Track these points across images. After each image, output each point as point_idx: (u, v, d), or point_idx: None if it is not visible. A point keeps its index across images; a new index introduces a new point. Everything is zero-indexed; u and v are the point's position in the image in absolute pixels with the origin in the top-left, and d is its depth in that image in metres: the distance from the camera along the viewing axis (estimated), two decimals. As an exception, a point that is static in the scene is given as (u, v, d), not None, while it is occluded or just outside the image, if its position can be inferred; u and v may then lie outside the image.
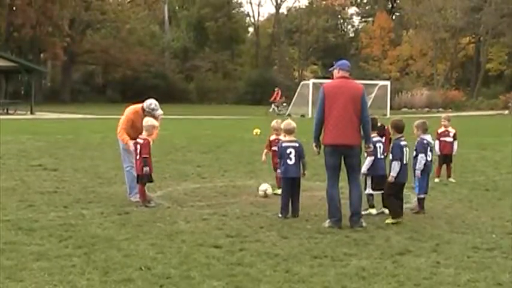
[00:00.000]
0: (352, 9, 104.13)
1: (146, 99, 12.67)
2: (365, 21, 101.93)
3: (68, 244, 8.71)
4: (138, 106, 12.54)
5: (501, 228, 10.23)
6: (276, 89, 55.00)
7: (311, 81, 54.53)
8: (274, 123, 13.42)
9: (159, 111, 12.40)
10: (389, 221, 10.50)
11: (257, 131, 28.96)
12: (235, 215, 10.92)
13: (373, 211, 11.35)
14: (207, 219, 10.57)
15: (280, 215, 10.97)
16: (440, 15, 76.47)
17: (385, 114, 47.68)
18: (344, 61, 10.69)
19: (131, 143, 12.11)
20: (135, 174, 11.99)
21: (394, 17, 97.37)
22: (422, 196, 11.56)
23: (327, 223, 10.11)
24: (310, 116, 46.33)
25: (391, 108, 53.70)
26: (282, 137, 12.30)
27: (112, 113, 49.82)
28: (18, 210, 11.05)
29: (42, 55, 74.91)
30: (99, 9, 75.26)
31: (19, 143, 23.01)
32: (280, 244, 8.96)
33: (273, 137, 13.35)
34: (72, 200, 12.07)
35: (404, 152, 10.76)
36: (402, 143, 10.83)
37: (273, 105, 52.60)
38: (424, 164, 11.42)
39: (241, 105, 69.68)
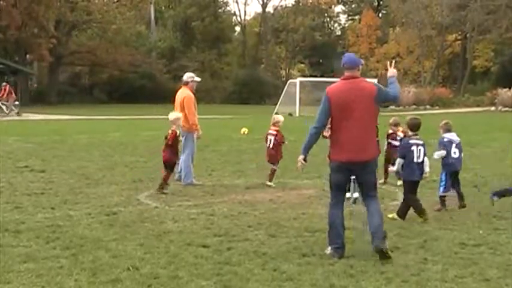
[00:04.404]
0: (339, 8, 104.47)
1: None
2: (352, 19, 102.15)
3: (55, 245, 8.67)
4: (183, 88, 14.63)
5: (488, 224, 10.27)
6: (4, 84, 47.71)
7: (298, 80, 54.60)
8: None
9: (198, 78, 14.99)
10: (390, 215, 10.52)
11: (244, 130, 28.99)
12: (223, 214, 10.92)
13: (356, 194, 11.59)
14: (195, 218, 10.57)
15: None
16: (426, 12, 76.68)
17: None
18: (348, 56, 8.79)
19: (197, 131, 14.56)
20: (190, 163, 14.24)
21: (380, 14, 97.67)
22: (442, 194, 11.60)
23: (328, 250, 8.46)
24: (297, 114, 46.39)
25: (378, 106, 53.71)
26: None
27: (99, 113, 49.74)
28: (5, 212, 11.00)
29: (28, 56, 74.54)
30: (85, 10, 74.92)
31: (5, 145, 22.90)
32: (268, 243, 8.96)
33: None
34: (59, 201, 12.02)
35: (415, 151, 10.57)
36: (412, 141, 10.65)
37: None
38: (446, 163, 11.55)
39: (228, 105, 69.64)
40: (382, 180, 14.32)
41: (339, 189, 8.63)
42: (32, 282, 7.10)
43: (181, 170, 14.29)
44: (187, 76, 14.82)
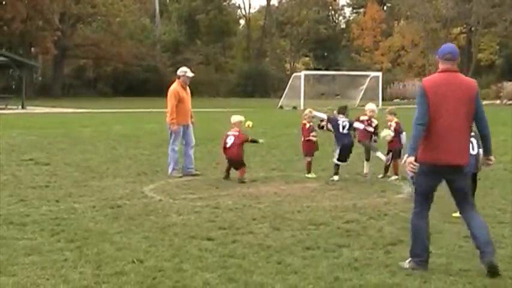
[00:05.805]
0: (343, 0, 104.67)
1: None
2: (356, 13, 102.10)
3: (60, 238, 8.68)
4: (175, 82, 15.02)
5: (492, 217, 10.22)
6: None
7: (303, 73, 54.61)
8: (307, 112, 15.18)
9: (190, 73, 15.06)
10: (455, 214, 10.31)
11: (249, 123, 28.87)
12: (228, 207, 10.91)
13: (336, 177, 13.80)
14: (199, 211, 10.56)
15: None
16: (431, 5, 76.56)
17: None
18: (450, 46, 7.66)
19: (177, 126, 14.59)
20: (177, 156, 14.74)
21: (385, 7, 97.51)
22: None
23: (406, 263, 7.52)
24: (302, 107, 46.33)
25: (383, 99, 53.65)
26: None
27: (103, 106, 49.79)
28: (10, 204, 11.02)
29: (32, 49, 74.67)
30: (90, 2, 75.04)
31: (10, 138, 22.93)
32: (273, 236, 8.95)
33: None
34: (63, 194, 12.04)
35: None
36: None
37: None
38: None
39: (233, 98, 69.60)
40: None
41: (426, 196, 7.66)
42: (37, 275, 7.10)
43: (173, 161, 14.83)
44: (180, 70, 15.18)
